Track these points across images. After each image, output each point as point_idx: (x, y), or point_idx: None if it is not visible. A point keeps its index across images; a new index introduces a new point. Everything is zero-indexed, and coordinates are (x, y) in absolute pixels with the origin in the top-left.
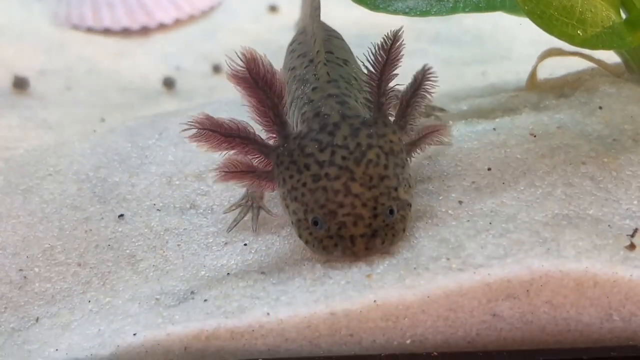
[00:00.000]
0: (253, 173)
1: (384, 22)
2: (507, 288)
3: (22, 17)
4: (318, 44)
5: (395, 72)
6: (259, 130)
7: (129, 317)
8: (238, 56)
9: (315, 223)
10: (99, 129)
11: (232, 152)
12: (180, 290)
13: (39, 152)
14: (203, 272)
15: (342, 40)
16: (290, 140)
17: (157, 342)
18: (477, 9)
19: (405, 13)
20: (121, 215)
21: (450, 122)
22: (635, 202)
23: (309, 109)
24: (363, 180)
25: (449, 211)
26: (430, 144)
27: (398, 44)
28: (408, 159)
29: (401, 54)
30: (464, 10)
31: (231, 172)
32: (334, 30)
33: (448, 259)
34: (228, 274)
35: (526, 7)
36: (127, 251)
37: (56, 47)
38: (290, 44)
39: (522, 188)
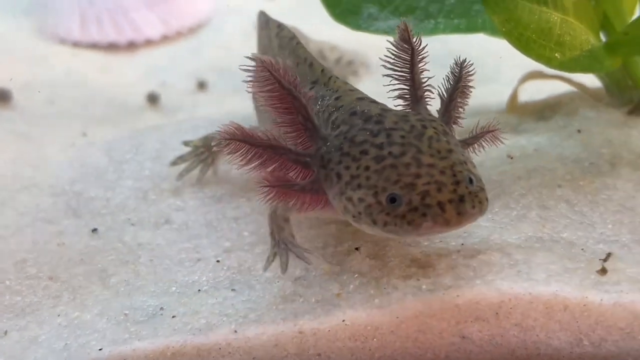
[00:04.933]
0: (297, 187)
1: (368, 41)
2: (475, 310)
3: (9, 30)
4: (317, 66)
5: (423, 64)
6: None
7: (96, 332)
8: (254, 61)
9: (392, 200)
10: (78, 143)
11: (267, 168)
12: (150, 305)
13: (16, 165)
14: (174, 288)
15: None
16: (332, 138)
17: (122, 358)
18: (457, 30)
19: (386, 33)
20: (95, 230)
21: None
22: (610, 226)
23: (340, 114)
24: (432, 152)
25: None
26: (483, 146)
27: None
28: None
29: (424, 43)
30: (444, 32)
31: (275, 186)
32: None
33: (418, 279)
34: (199, 290)
35: (504, 29)
36: (99, 266)
37: (42, 61)
38: None
39: (496, 210)
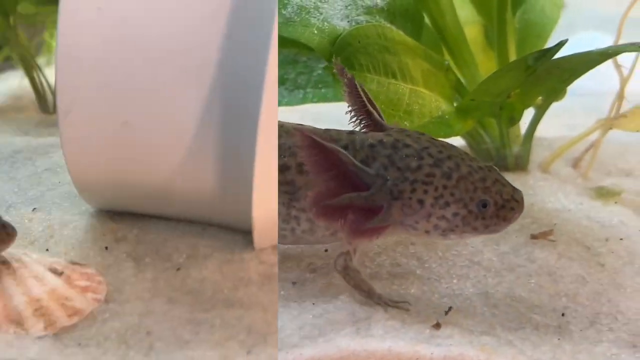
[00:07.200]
0: (376, 221)
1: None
2: None
3: None
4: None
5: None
6: None
7: None
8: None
9: (484, 205)
10: None
11: (346, 217)
12: None
13: None
14: None
15: None
16: (382, 172)
17: None
18: (325, 99)
19: None
20: None
21: None
22: (455, 280)
23: (358, 150)
24: (466, 157)
25: (282, 292)
26: None
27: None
28: None
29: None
30: (312, 101)
31: (364, 229)
32: None
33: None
34: None
35: None
36: None
37: None
38: None
39: None
